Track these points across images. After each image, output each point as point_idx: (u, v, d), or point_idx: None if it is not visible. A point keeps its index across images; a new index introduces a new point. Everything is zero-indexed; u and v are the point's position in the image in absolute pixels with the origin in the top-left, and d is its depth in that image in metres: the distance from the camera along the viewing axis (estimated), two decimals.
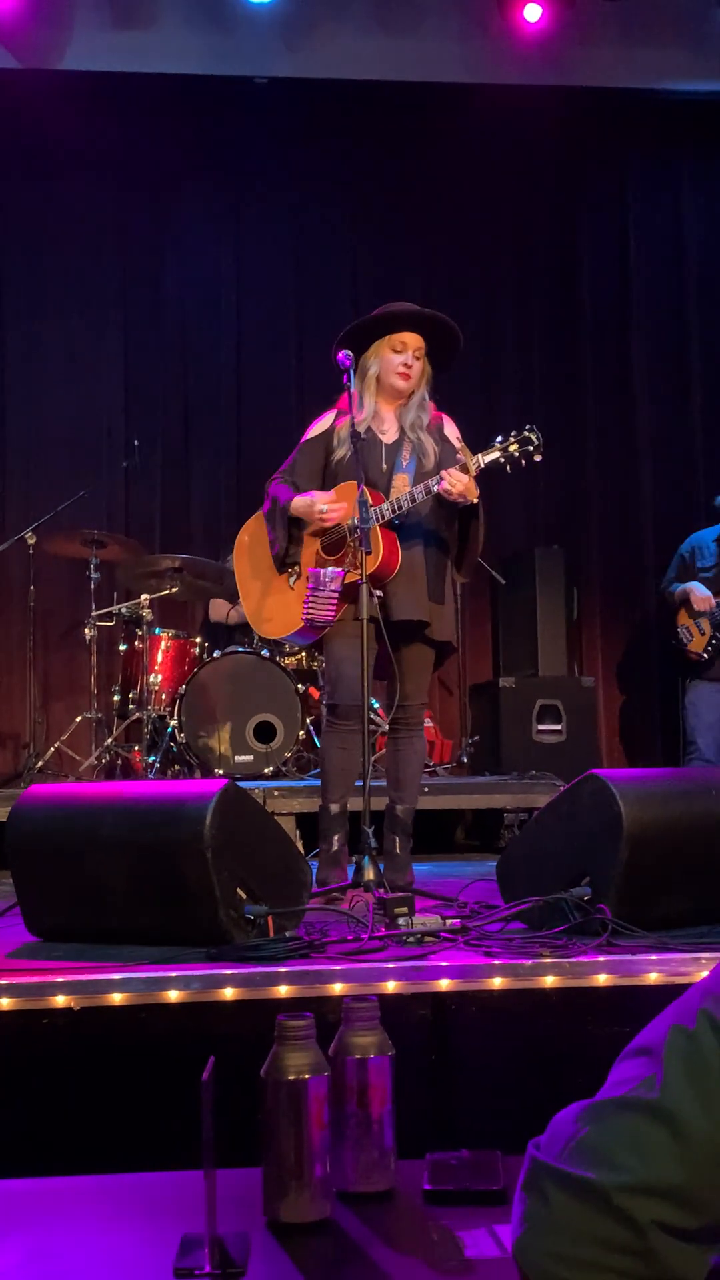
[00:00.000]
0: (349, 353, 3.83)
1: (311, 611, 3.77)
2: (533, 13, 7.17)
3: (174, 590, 6.38)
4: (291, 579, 3.98)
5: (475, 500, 3.78)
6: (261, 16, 7.17)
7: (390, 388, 3.98)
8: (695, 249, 8.14)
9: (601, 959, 2.62)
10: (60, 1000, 2.43)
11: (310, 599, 3.77)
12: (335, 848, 3.87)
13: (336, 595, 3.74)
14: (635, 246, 8.09)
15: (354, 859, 3.52)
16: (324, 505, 3.87)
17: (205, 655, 6.26)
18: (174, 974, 2.52)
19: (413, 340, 3.96)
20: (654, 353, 8.06)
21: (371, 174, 7.97)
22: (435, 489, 3.72)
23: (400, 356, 3.95)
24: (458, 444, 4.02)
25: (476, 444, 3.94)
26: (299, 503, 3.92)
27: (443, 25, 7.32)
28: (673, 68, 7.56)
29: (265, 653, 5.99)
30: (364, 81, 7.41)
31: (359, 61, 7.34)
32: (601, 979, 2.55)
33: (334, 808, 3.92)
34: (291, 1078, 1.47)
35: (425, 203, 7.95)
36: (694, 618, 6.53)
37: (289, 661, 6.12)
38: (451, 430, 4.07)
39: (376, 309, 4.01)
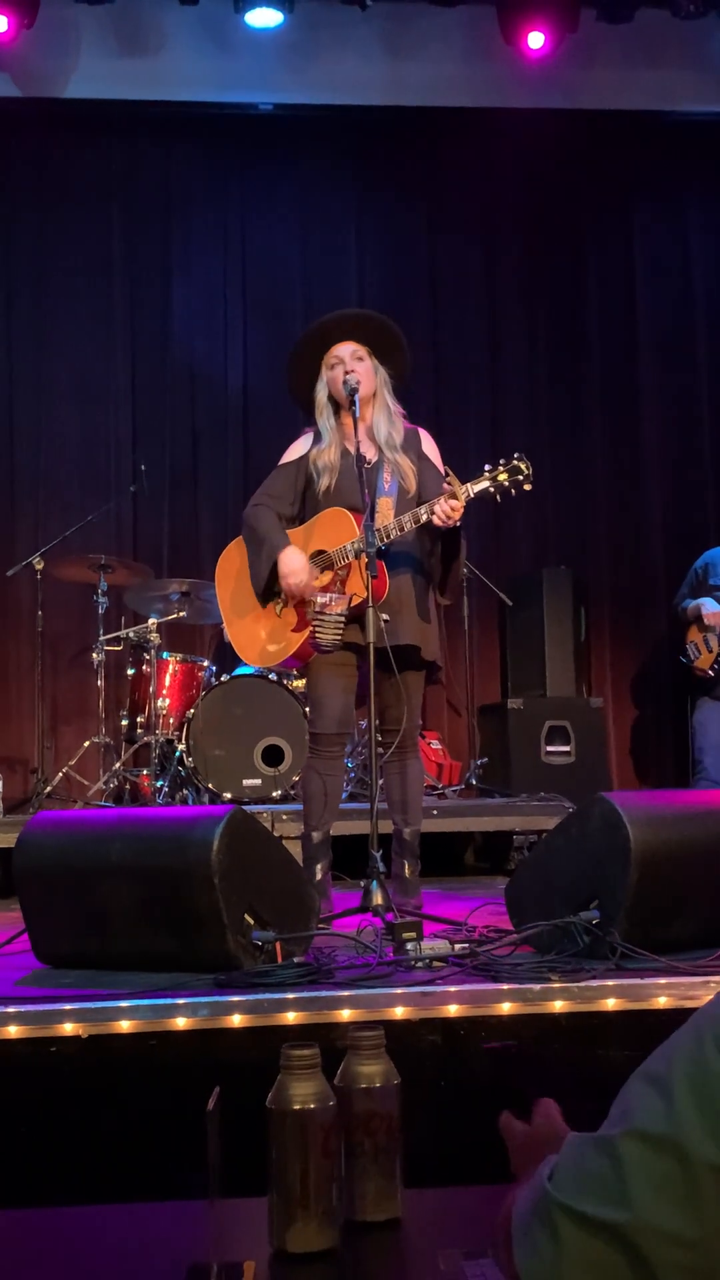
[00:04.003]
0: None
1: (319, 635, 3.77)
2: (536, 40, 7.19)
3: (182, 614, 6.40)
4: (278, 608, 3.96)
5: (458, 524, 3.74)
6: (266, 43, 7.21)
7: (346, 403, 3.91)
8: (703, 270, 8.16)
9: (610, 983, 2.60)
10: (68, 1028, 2.42)
11: (318, 623, 3.77)
12: (319, 876, 3.84)
13: (344, 620, 3.76)
14: (642, 267, 8.11)
15: (362, 883, 3.51)
16: (301, 584, 3.82)
17: (213, 679, 6.26)
18: (182, 1001, 2.51)
19: (345, 349, 3.92)
20: (662, 373, 8.06)
21: (377, 199, 8.00)
22: (426, 518, 3.69)
23: (336, 371, 3.91)
24: (439, 462, 3.99)
25: (473, 469, 3.85)
26: (285, 565, 3.85)
27: (446, 50, 7.36)
28: (677, 90, 7.61)
29: (273, 676, 5.98)
30: (369, 107, 7.47)
31: (364, 87, 7.40)
32: (610, 1003, 2.53)
33: (316, 835, 3.90)
34: (297, 1107, 1.46)
35: (431, 227, 7.99)
36: (703, 633, 6.54)
37: (297, 685, 6.12)
38: (430, 446, 4.04)
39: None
